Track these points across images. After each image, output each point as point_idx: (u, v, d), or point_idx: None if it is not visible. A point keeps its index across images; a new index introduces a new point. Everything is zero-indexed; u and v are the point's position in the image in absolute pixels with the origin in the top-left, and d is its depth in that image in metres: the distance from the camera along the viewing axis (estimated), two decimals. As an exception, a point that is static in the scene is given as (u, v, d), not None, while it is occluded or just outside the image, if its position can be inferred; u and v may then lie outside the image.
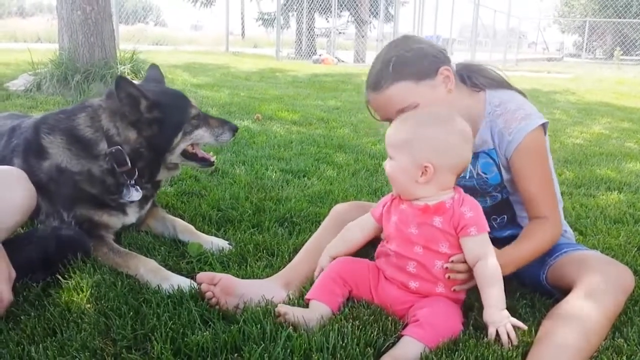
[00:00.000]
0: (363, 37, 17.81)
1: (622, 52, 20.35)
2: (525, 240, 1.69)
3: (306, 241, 1.93)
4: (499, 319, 1.46)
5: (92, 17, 5.41)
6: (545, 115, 1.80)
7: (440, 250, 1.54)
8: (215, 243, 2.08)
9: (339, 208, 1.99)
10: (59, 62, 5.52)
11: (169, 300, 1.60)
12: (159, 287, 1.71)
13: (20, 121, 2.25)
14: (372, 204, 1.86)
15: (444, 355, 1.38)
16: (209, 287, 1.62)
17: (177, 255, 2.02)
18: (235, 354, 1.37)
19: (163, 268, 1.82)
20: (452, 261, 1.53)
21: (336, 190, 2.85)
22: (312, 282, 1.69)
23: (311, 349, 1.36)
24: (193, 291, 1.65)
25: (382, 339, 1.44)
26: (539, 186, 1.72)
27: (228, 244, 2.11)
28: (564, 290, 1.58)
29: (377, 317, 1.53)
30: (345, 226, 1.78)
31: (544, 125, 1.74)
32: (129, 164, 1.99)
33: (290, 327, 1.44)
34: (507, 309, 1.49)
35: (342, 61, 15.69)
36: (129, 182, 2.04)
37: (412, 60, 1.70)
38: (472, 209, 1.53)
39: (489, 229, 1.54)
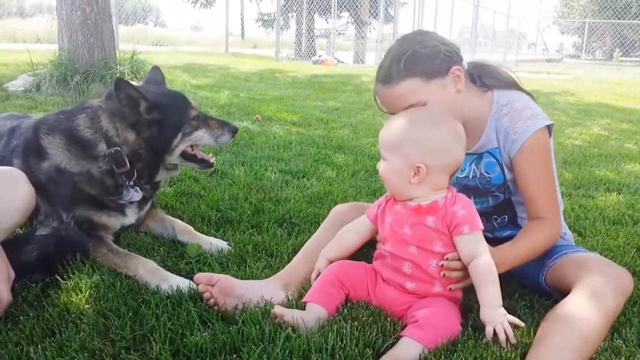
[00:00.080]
0: (363, 38, 17.82)
1: (621, 54, 20.35)
2: (523, 240, 1.69)
3: (305, 242, 1.93)
4: (496, 317, 1.46)
5: (92, 17, 5.42)
6: (544, 116, 1.80)
7: (435, 250, 1.54)
8: (214, 244, 2.08)
9: (338, 209, 1.99)
10: (58, 63, 5.52)
11: (168, 301, 1.60)
12: (158, 288, 1.71)
13: (20, 122, 2.25)
14: (372, 205, 1.86)
15: (442, 356, 1.39)
16: (206, 288, 1.62)
17: (176, 255, 2.02)
18: (234, 355, 1.37)
19: (162, 269, 1.82)
20: (447, 258, 1.53)
21: (335, 191, 2.85)
22: (310, 284, 1.69)
23: (310, 350, 1.37)
24: (192, 292, 1.65)
25: (381, 339, 1.44)
26: (541, 187, 1.72)
27: (227, 244, 2.11)
28: (562, 292, 1.58)
29: (376, 318, 1.53)
30: (341, 229, 1.78)
31: (549, 127, 1.74)
32: (128, 165, 1.99)
33: (289, 328, 1.44)
34: (507, 309, 1.49)
35: (342, 62, 15.70)
36: (128, 183, 2.04)
37: (424, 58, 1.67)
38: (465, 208, 1.53)
39: (482, 227, 1.54)
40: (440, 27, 15.95)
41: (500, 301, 1.49)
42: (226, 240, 2.15)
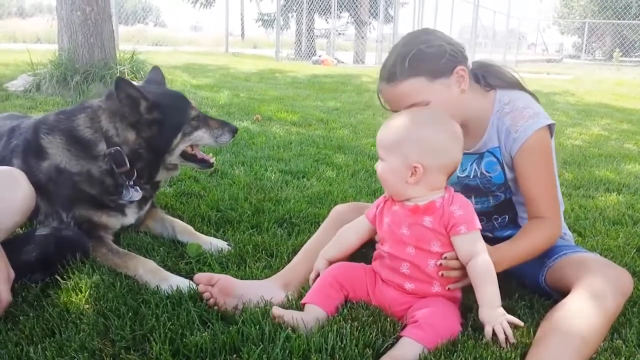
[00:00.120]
0: (363, 38, 17.82)
1: (621, 54, 20.37)
2: (522, 238, 1.69)
3: (305, 242, 1.93)
4: (495, 317, 1.46)
5: (92, 17, 5.41)
6: (544, 116, 1.80)
7: (432, 250, 1.54)
8: (214, 244, 2.08)
9: (338, 209, 1.99)
10: (58, 63, 5.52)
11: (167, 301, 1.60)
12: (157, 288, 1.71)
13: (20, 122, 2.25)
14: (371, 205, 1.86)
15: (442, 357, 1.38)
16: (206, 288, 1.62)
17: (176, 255, 2.02)
18: (234, 355, 1.37)
19: (162, 269, 1.82)
20: (445, 258, 1.53)
21: (335, 191, 2.85)
22: (310, 284, 1.69)
23: (310, 350, 1.37)
24: (192, 292, 1.65)
25: (381, 340, 1.44)
26: (542, 186, 1.71)
27: (227, 244, 2.11)
28: (562, 292, 1.58)
29: (376, 318, 1.53)
30: (341, 229, 1.78)
31: (550, 127, 1.74)
32: (128, 164, 1.99)
33: (289, 328, 1.44)
34: (506, 310, 1.49)
35: (342, 62, 15.69)
36: (127, 182, 2.04)
37: (429, 57, 1.67)
38: (462, 207, 1.53)
39: (480, 227, 1.53)
40: (440, 27, 15.92)
41: (499, 301, 1.48)
42: (226, 241, 2.15)
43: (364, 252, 1.80)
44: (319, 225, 1.98)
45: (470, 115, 1.76)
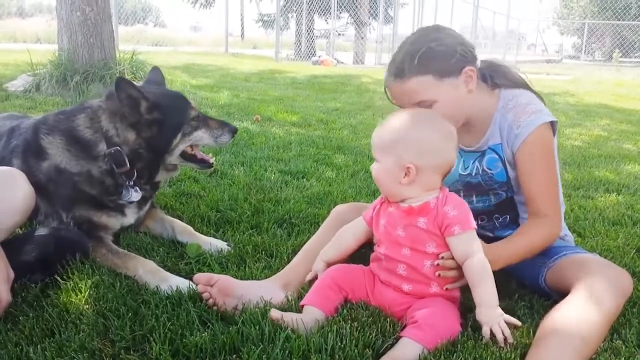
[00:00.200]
0: (362, 38, 17.81)
1: (621, 54, 20.38)
2: (519, 237, 1.69)
3: (305, 242, 1.93)
4: (493, 317, 1.46)
5: (92, 18, 5.41)
6: (544, 117, 1.80)
7: (428, 251, 1.54)
8: (213, 244, 2.08)
9: (338, 209, 1.99)
10: (58, 63, 5.52)
11: (167, 301, 1.60)
12: (157, 288, 1.71)
13: (20, 122, 2.25)
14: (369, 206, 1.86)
15: (442, 357, 1.38)
16: (205, 288, 1.62)
17: (175, 256, 2.02)
18: (234, 355, 1.37)
19: (162, 269, 1.82)
20: (441, 257, 1.53)
21: (335, 192, 2.85)
22: (310, 284, 1.69)
23: (310, 350, 1.37)
24: (192, 292, 1.65)
25: (381, 340, 1.44)
26: (542, 183, 1.71)
27: (227, 245, 2.11)
28: (562, 293, 1.58)
29: (376, 318, 1.53)
30: (339, 230, 1.78)
31: (553, 126, 1.74)
32: (128, 164, 1.99)
33: (289, 328, 1.44)
34: (506, 310, 1.49)
35: (342, 62, 15.69)
36: (127, 183, 2.04)
37: (439, 56, 1.66)
38: (456, 208, 1.52)
39: (475, 226, 1.53)
40: (440, 27, 15.91)
41: (496, 300, 1.48)
42: (226, 241, 2.15)
43: (364, 253, 1.80)
44: (319, 226, 1.98)
45: (475, 114, 1.76)
